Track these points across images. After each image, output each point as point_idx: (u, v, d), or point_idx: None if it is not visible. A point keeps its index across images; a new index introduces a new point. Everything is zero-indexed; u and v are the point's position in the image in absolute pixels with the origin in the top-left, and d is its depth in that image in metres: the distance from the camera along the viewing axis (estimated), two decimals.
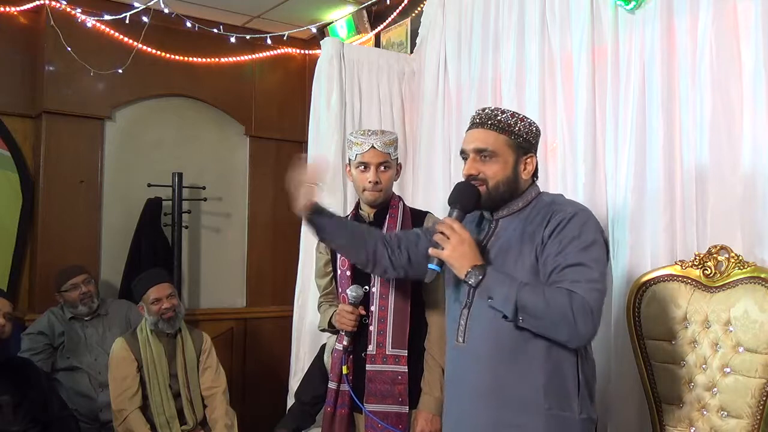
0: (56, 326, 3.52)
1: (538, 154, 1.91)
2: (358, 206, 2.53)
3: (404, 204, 2.51)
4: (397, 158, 2.47)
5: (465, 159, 1.86)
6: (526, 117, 1.87)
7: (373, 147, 2.37)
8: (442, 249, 1.75)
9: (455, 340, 1.86)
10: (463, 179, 1.85)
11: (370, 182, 2.38)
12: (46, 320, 3.54)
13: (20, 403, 2.66)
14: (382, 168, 2.39)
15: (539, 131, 1.90)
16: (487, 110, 1.87)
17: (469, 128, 1.88)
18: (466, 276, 1.73)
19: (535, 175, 1.89)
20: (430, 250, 1.79)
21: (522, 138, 1.83)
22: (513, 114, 1.85)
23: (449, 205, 1.83)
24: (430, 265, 1.80)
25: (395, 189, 2.65)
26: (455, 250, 1.74)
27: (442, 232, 1.76)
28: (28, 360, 3.04)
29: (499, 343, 1.75)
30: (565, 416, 1.73)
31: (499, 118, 1.83)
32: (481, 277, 1.70)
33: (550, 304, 1.64)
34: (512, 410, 1.74)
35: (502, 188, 1.82)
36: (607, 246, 1.81)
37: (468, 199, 1.81)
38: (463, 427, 1.84)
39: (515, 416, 1.74)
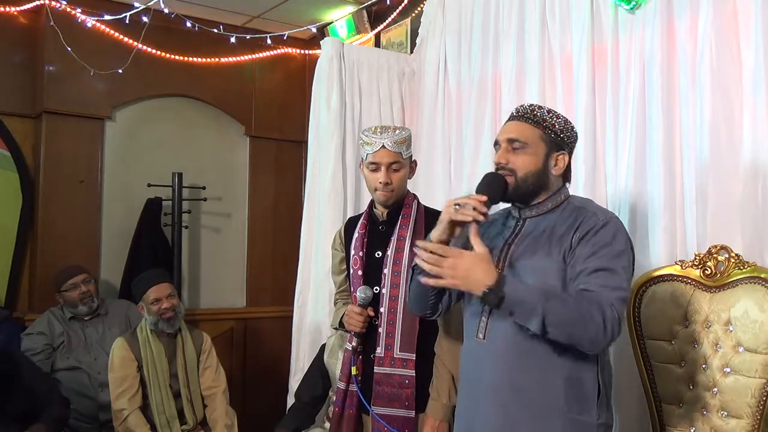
0: (56, 326, 3.52)
1: None
2: (372, 205, 2.49)
3: (419, 203, 2.45)
4: (410, 156, 2.42)
5: (497, 150, 1.87)
6: (561, 114, 1.87)
7: (383, 146, 2.32)
8: (439, 278, 1.69)
9: (475, 337, 1.83)
10: (492, 170, 1.85)
11: (380, 182, 2.34)
12: (46, 320, 3.54)
13: (3, 405, 2.65)
14: (393, 168, 2.34)
15: (576, 135, 1.90)
16: (525, 105, 1.89)
17: (506, 122, 1.90)
18: (483, 296, 1.66)
19: (567, 178, 1.89)
20: (423, 280, 1.73)
21: (555, 134, 1.83)
22: (550, 110, 1.86)
23: (477, 194, 1.81)
24: (419, 276, 1.78)
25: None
26: (456, 275, 1.67)
27: (431, 262, 1.68)
28: (7, 353, 3.01)
29: (521, 343, 1.72)
30: (583, 420, 1.71)
31: (535, 112, 1.85)
32: (502, 296, 1.63)
33: (581, 312, 1.61)
34: (530, 412, 1.72)
35: (531, 180, 1.81)
36: (634, 257, 1.81)
37: (495, 189, 1.80)
38: (478, 425, 1.81)
39: (533, 418, 1.72)
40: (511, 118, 1.89)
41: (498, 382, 1.76)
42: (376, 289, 2.34)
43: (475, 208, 1.73)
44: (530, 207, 1.86)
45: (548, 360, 1.71)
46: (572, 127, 1.88)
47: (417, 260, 1.73)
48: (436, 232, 1.81)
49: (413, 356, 2.28)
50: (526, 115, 1.85)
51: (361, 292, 2.32)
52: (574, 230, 1.74)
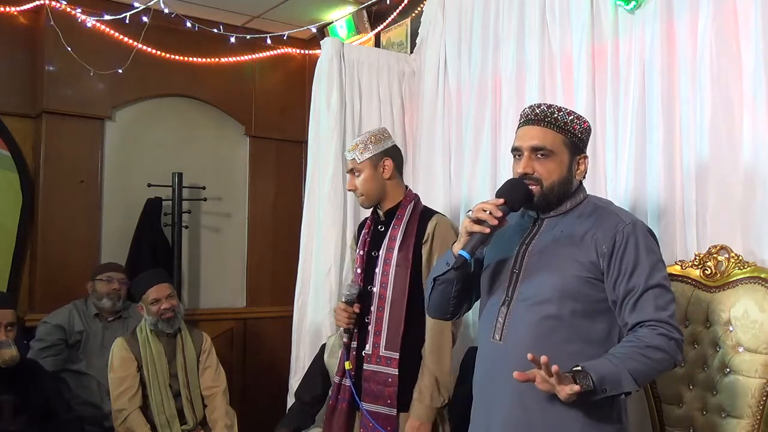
0: (76, 322, 3.51)
1: None
2: (376, 206, 2.54)
3: (416, 204, 2.48)
4: (370, 157, 2.42)
5: (518, 157, 1.80)
6: (579, 115, 1.82)
7: (346, 158, 2.49)
8: None
9: (491, 338, 1.77)
10: (515, 177, 1.79)
11: (349, 190, 2.50)
12: (67, 314, 3.52)
13: (21, 405, 2.66)
14: (355, 174, 2.45)
15: (591, 129, 1.85)
16: (542, 107, 1.80)
17: (523, 125, 1.81)
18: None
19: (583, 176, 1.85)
20: None
21: (577, 137, 1.79)
22: (569, 112, 1.80)
23: (497, 198, 1.75)
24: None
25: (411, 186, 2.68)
26: None
27: None
28: (35, 362, 3.03)
29: (540, 344, 1.68)
30: (600, 426, 1.69)
31: (555, 116, 1.77)
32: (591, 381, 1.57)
33: (655, 361, 1.64)
34: (549, 413, 1.68)
35: (557, 188, 1.76)
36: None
37: (516, 196, 1.73)
38: (496, 427, 1.77)
39: (551, 419, 1.69)
40: (529, 121, 1.80)
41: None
42: (370, 287, 2.38)
43: (490, 212, 1.67)
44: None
45: (567, 361, 1.64)
46: (589, 126, 1.83)
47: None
48: (457, 245, 1.75)
49: (397, 355, 2.31)
50: (547, 119, 1.77)
51: (346, 289, 2.40)
52: (598, 232, 1.72)
